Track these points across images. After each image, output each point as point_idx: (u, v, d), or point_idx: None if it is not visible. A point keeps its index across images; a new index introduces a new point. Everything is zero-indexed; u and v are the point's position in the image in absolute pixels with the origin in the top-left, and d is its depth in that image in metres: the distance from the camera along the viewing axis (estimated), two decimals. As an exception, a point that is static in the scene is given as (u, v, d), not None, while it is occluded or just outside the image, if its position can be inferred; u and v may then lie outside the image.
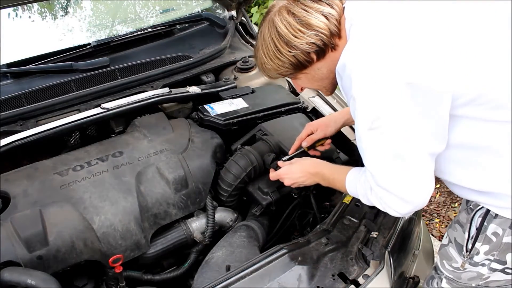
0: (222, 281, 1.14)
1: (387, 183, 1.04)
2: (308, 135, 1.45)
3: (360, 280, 1.18)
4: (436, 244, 2.22)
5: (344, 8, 1.10)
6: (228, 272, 1.20)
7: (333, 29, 1.07)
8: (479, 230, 1.09)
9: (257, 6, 4.14)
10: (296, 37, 1.07)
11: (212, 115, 1.63)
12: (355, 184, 1.17)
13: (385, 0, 1.04)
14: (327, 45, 1.08)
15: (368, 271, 1.20)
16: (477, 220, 1.09)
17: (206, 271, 1.28)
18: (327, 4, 1.08)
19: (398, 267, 1.33)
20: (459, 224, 1.16)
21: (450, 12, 0.97)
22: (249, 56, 1.99)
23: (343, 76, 1.03)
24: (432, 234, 2.60)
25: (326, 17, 1.07)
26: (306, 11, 1.06)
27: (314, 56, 1.10)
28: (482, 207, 1.08)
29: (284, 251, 1.22)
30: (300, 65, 1.12)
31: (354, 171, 1.21)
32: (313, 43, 1.07)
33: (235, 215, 1.52)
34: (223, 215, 1.50)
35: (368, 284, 1.18)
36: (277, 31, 1.09)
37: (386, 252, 1.26)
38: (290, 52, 1.09)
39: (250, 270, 1.17)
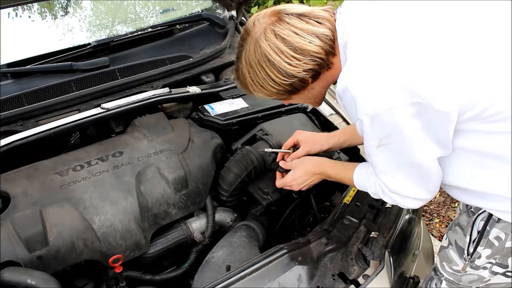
0: (222, 281, 1.14)
1: (399, 189, 1.06)
2: (294, 144, 1.44)
3: (360, 280, 1.18)
4: (436, 244, 2.22)
5: (335, 20, 1.05)
6: (228, 272, 1.20)
7: (328, 50, 1.03)
8: (481, 234, 1.07)
9: (257, 6, 4.14)
10: (291, 65, 1.02)
11: (212, 115, 1.63)
12: (364, 184, 1.18)
13: (379, 10, 0.99)
14: (324, 67, 1.05)
15: (368, 271, 1.20)
16: (479, 224, 1.07)
17: (206, 271, 1.28)
18: (317, 22, 1.02)
19: (398, 267, 1.33)
20: (459, 227, 1.15)
21: (451, 23, 0.93)
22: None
23: (345, 98, 0.98)
24: (432, 234, 2.60)
25: (319, 38, 1.01)
26: (296, 34, 1.00)
27: (309, 79, 1.06)
28: (484, 210, 1.06)
29: (284, 251, 1.22)
30: (294, 90, 1.09)
31: (361, 169, 1.21)
32: (310, 69, 1.03)
33: (235, 215, 1.52)
34: (223, 215, 1.50)
35: (368, 284, 1.18)
36: (267, 58, 1.03)
37: (386, 252, 1.26)
38: (286, 81, 1.05)
39: (250, 270, 1.17)
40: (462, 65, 0.90)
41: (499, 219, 1.03)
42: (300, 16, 1.03)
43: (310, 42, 1.01)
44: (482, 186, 1.02)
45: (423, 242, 1.68)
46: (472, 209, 1.10)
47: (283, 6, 1.06)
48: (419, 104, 0.88)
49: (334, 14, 1.06)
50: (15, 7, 1.91)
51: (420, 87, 0.88)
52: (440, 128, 0.92)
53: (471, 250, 1.10)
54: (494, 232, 1.05)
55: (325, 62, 1.04)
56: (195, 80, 1.86)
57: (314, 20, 1.02)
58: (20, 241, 1.15)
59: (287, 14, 1.03)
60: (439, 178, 1.04)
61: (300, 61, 1.02)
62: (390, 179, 1.05)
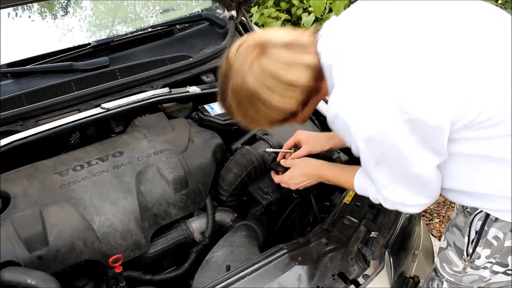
0: (222, 281, 1.14)
1: (402, 200, 1.06)
2: (295, 144, 1.44)
3: (360, 280, 1.18)
4: (436, 244, 2.22)
5: (317, 41, 1.02)
6: (228, 272, 1.20)
7: (317, 77, 1.00)
8: (479, 234, 1.06)
9: (257, 6, 4.14)
10: (282, 101, 1.00)
11: (212, 115, 1.63)
12: (366, 189, 1.18)
13: (359, 29, 0.98)
14: (314, 94, 1.04)
15: (368, 271, 1.20)
16: (476, 224, 1.07)
17: (206, 271, 1.28)
18: (303, 50, 0.99)
19: (398, 267, 1.33)
20: (457, 228, 1.15)
21: (433, 37, 0.92)
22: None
23: (337, 123, 0.97)
24: (432, 234, 2.60)
25: (308, 68, 0.98)
26: (285, 67, 0.97)
27: (300, 107, 1.04)
28: (481, 210, 1.06)
29: (284, 251, 1.22)
30: (285, 120, 1.08)
31: (362, 174, 1.20)
32: (302, 99, 1.01)
33: (235, 215, 1.52)
34: (223, 215, 1.50)
35: (368, 284, 1.18)
36: (257, 96, 0.99)
37: (386, 252, 1.26)
38: (277, 115, 1.04)
39: (250, 270, 1.17)
40: (449, 77, 0.89)
41: (496, 219, 1.03)
42: (285, 46, 0.98)
43: (300, 75, 0.98)
44: (480, 188, 1.02)
45: (423, 241, 1.67)
46: (468, 210, 1.10)
47: (267, 36, 1.01)
48: (412, 121, 0.88)
49: (316, 37, 1.04)
50: (15, 7, 1.91)
51: (411, 105, 0.87)
52: (435, 140, 0.92)
53: (470, 250, 1.10)
54: (492, 231, 1.05)
55: (315, 90, 1.03)
56: (195, 80, 1.86)
57: (300, 49, 0.99)
58: (20, 241, 1.15)
59: (272, 45, 0.98)
60: (439, 183, 1.04)
61: (292, 97, 1.00)
62: (391, 193, 1.06)
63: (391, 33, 0.94)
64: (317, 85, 1.02)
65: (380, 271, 1.21)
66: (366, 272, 1.20)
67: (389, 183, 1.04)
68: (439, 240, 2.54)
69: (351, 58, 0.95)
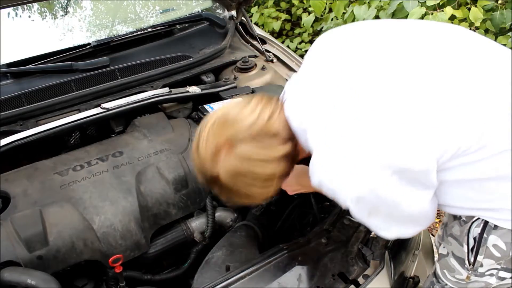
0: (222, 281, 1.14)
1: (399, 235, 1.05)
2: None
3: (360, 280, 1.18)
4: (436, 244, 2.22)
5: (283, 105, 1.01)
6: (228, 272, 1.20)
7: (293, 155, 1.00)
8: (479, 242, 1.01)
9: (257, 6, 4.14)
10: (264, 189, 1.01)
11: (212, 115, 1.63)
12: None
13: (323, 87, 0.95)
14: (293, 163, 1.03)
15: (368, 271, 1.20)
16: (473, 231, 1.02)
17: (206, 271, 1.28)
18: (274, 142, 0.96)
19: (398, 267, 1.33)
20: (452, 237, 1.10)
21: (401, 86, 0.88)
22: (249, 56, 1.99)
23: (323, 188, 0.96)
24: (432, 234, 2.60)
25: (283, 157, 0.97)
26: (259, 165, 0.96)
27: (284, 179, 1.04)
28: (478, 218, 1.01)
29: (284, 251, 1.22)
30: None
31: None
32: (283, 178, 1.02)
33: (235, 215, 1.52)
34: (223, 215, 1.50)
35: (368, 284, 1.18)
36: (238, 191, 1.00)
37: (386, 252, 1.26)
38: (264, 197, 1.05)
39: (250, 270, 1.17)
40: (425, 120, 0.86)
41: (495, 226, 0.98)
42: (253, 139, 0.95)
43: (276, 167, 0.97)
44: (478, 204, 0.98)
45: (423, 241, 1.67)
46: (463, 219, 1.06)
47: (230, 127, 0.96)
48: (399, 171, 0.87)
49: (282, 102, 1.02)
50: (15, 7, 1.91)
51: (394, 159, 0.86)
52: (426, 179, 0.91)
53: (472, 259, 1.05)
54: (492, 239, 0.99)
55: (294, 162, 1.03)
56: (195, 80, 1.86)
57: (270, 141, 0.96)
58: (20, 241, 1.15)
59: (239, 140, 0.94)
60: (435, 210, 1.02)
61: (271, 184, 1.00)
62: (387, 232, 1.04)
63: (358, 87, 0.91)
64: (294, 159, 1.02)
65: (380, 271, 1.21)
66: (366, 272, 1.20)
67: (384, 226, 1.02)
68: (439, 240, 2.54)
69: (323, 122, 0.93)
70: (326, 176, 0.93)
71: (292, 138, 1.00)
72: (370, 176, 0.88)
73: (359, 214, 0.97)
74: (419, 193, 0.93)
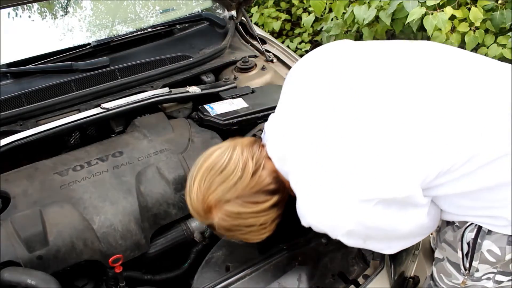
0: (222, 281, 1.14)
1: (399, 249, 1.07)
2: None
3: (360, 280, 1.18)
4: (436, 244, 2.22)
5: (264, 146, 1.03)
6: (228, 272, 1.20)
7: (281, 199, 1.04)
8: (473, 247, 1.01)
9: (257, 6, 4.14)
10: (261, 234, 1.06)
11: (212, 115, 1.63)
12: None
13: (301, 126, 0.96)
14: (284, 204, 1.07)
15: (368, 271, 1.21)
16: (467, 236, 1.02)
17: (206, 271, 1.28)
18: (261, 197, 1.00)
19: (398, 267, 1.33)
20: (446, 243, 1.10)
21: (379, 118, 0.89)
22: (249, 56, 1.99)
23: (314, 227, 0.97)
24: (431, 234, 2.59)
25: (273, 205, 1.02)
26: (252, 216, 1.00)
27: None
28: (471, 223, 1.01)
29: (284, 251, 1.22)
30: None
31: None
32: (277, 220, 1.06)
33: (235, 215, 1.52)
34: (223, 215, 1.50)
35: (368, 284, 1.18)
36: (237, 236, 1.05)
37: (386, 252, 1.26)
38: (262, 236, 1.08)
39: (250, 270, 1.17)
40: (402, 149, 0.87)
41: (489, 231, 0.98)
42: (240, 197, 0.98)
43: (269, 215, 1.02)
44: (471, 211, 0.98)
45: (423, 241, 1.67)
46: (457, 224, 1.05)
47: (220, 190, 0.98)
48: (383, 201, 0.88)
49: (263, 145, 1.04)
50: (15, 7, 1.91)
51: (374, 192, 0.87)
52: (412, 201, 0.91)
53: (467, 264, 1.05)
54: (486, 244, 0.99)
55: (285, 200, 1.06)
56: (195, 80, 1.86)
57: (256, 197, 1.00)
58: (20, 241, 1.15)
59: (226, 200, 0.98)
60: (437, 215, 1.02)
61: (267, 230, 1.05)
62: (389, 250, 1.06)
63: (331, 121, 0.92)
64: (285, 199, 1.06)
65: (380, 271, 1.21)
66: (366, 272, 1.20)
67: (384, 246, 1.04)
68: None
69: (302, 163, 0.94)
70: (313, 219, 0.95)
71: (280, 183, 1.03)
72: (352, 211, 0.89)
73: (354, 245, 0.99)
74: (412, 213, 0.93)
